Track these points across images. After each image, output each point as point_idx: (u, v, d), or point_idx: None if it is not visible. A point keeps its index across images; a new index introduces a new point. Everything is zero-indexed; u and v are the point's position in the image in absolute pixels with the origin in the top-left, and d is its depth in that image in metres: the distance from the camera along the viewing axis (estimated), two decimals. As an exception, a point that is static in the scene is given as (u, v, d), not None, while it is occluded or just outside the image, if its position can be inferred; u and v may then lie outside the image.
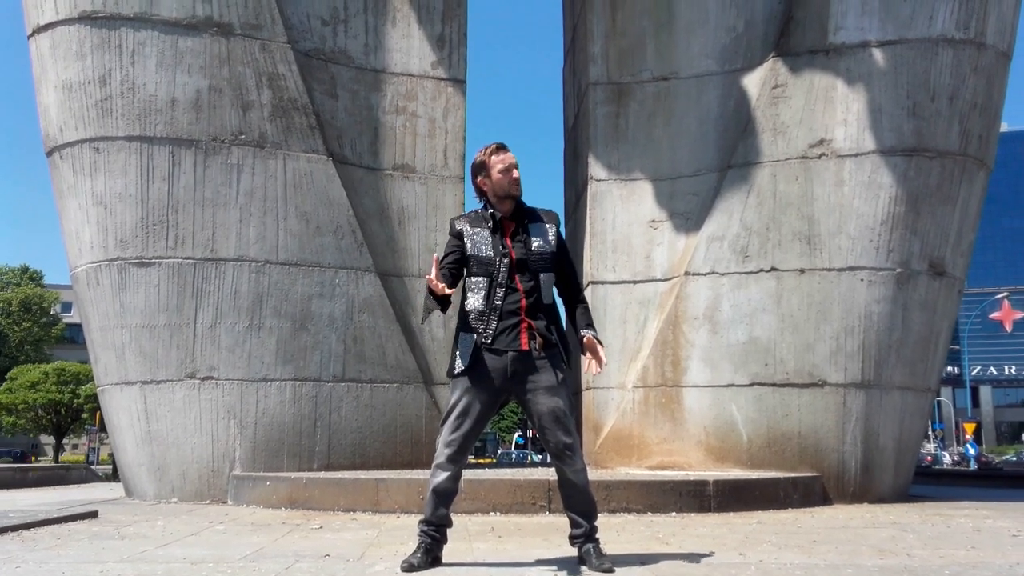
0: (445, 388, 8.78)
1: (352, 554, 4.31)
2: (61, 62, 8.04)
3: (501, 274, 3.90)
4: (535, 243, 4.00)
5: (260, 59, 8.22)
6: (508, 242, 3.98)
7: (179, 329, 7.88)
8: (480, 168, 4.06)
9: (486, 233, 3.99)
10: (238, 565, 3.94)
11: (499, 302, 3.88)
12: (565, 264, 4.12)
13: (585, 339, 4.05)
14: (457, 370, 3.93)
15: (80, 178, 8.03)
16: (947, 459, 43.65)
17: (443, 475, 3.86)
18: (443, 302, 3.86)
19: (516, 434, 59.26)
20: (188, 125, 7.96)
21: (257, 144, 8.15)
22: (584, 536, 3.89)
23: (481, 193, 4.09)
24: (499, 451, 51.04)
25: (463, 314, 3.98)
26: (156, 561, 4.09)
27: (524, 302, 3.91)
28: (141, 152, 7.87)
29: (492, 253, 3.94)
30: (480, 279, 3.93)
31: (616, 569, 3.71)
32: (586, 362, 4.10)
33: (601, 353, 4.03)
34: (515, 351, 3.87)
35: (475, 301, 3.93)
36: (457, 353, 3.95)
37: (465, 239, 4.00)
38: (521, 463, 29.92)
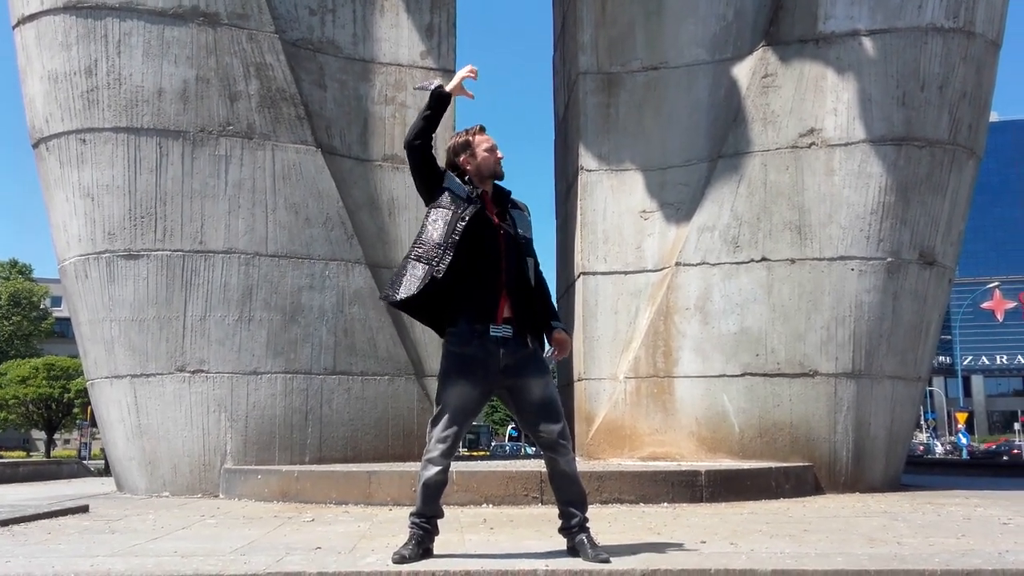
0: (436, 381, 8.74)
1: (344, 546, 4.30)
2: (46, 53, 7.96)
3: (467, 214, 3.86)
4: (520, 229, 4.05)
5: (247, 49, 8.15)
6: (496, 220, 3.98)
7: (168, 322, 7.83)
8: (464, 147, 4.05)
9: (465, 188, 3.98)
10: (229, 558, 3.92)
11: (456, 237, 3.82)
12: (532, 253, 4.15)
13: (556, 334, 4.06)
14: (398, 296, 3.84)
15: (67, 170, 7.96)
16: (939, 448, 43.78)
17: (435, 469, 3.84)
18: (442, 104, 3.94)
19: (510, 426, 59.26)
20: (175, 116, 7.90)
21: (245, 135, 8.10)
22: (576, 527, 3.88)
23: (461, 173, 4.06)
24: (492, 443, 51.07)
25: (416, 243, 3.92)
26: (147, 555, 4.06)
27: (504, 277, 3.90)
28: (128, 143, 7.81)
29: (462, 196, 3.93)
30: (445, 211, 3.90)
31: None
32: (551, 353, 4.15)
33: (567, 348, 4.12)
34: (504, 337, 3.86)
35: (434, 232, 3.88)
36: (403, 280, 3.85)
37: (445, 178, 4.00)
38: (515, 455, 29.95)
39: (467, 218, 3.86)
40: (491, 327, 3.86)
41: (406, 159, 4.10)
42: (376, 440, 8.40)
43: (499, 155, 4.06)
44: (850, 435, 8.00)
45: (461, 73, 4.04)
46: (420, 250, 3.88)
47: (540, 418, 3.90)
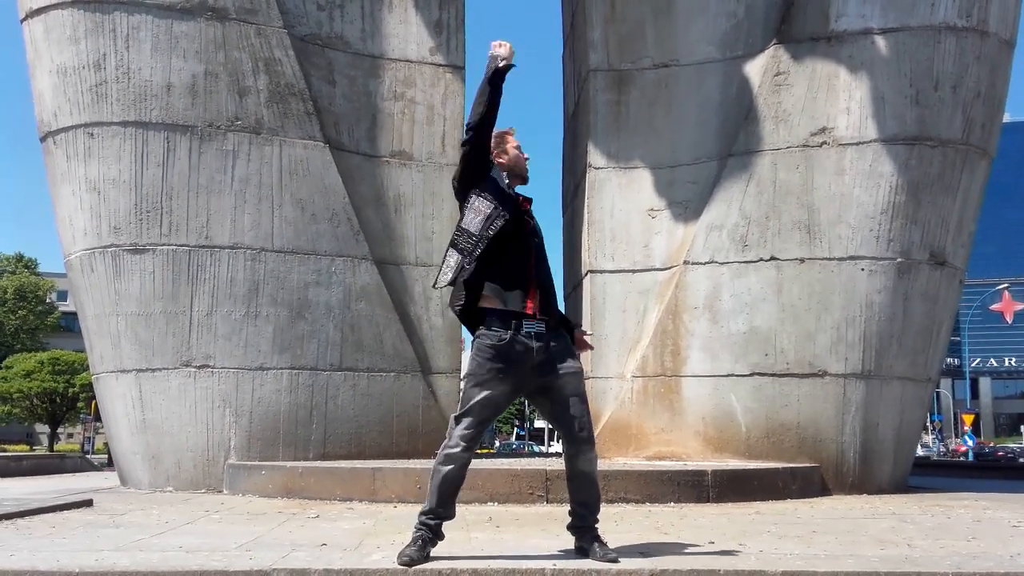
0: (443, 377, 8.74)
1: (349, 543, 4.27)
2: (55, 47, 7.95)
3: (508, 211, 3.87)
4: (540, 229, 4.10)
5: (256, 44, 8.13)
6: (528, 219, 4.03)
7: (175, 317, 7.82)
8: (498, 142, 4.08)
9: (507, 185, 4.03)
10: (233, 554, 3.90)
11: (492, 232, 3.83)
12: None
13: (578, 333, 4.15)
14: (440, 283, 3.95)
15: (73, 164, 7.95)
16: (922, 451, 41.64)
17: (454, 464, 3.79)
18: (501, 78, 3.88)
19: (515, 425, 59.39)
20: (184, 111, 7.88)
21: (253, 130, 8.07)
22: (587, 527, 3.86)
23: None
24: (497, 443, 51.20)
25: (456, 230, 3.97)
26: (151, 549, 4.04)
27: (534, 274, 3.92)
28: (135, 138, 7.79)
29: (504, 189, 3.97)
30: (487, 202, 3.91)
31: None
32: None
33: (586, 348, 4.22)
34: (539, 333, 3.85)
35: (473, 222, 3.89)
36: (442, 265, 3.95)
37: (492, 170, 4.04)
38: (519, 453, 29.92)
39: (507, 216, 3.86)
40: (524, 323, 3.85)
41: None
42: (381, 437, 8.37)
43: (525, 156, 4.12)
44: (858, 436, 7.95)
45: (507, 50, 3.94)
46: (458, 236, 3.93)
47: (573, 412, 3.88)
